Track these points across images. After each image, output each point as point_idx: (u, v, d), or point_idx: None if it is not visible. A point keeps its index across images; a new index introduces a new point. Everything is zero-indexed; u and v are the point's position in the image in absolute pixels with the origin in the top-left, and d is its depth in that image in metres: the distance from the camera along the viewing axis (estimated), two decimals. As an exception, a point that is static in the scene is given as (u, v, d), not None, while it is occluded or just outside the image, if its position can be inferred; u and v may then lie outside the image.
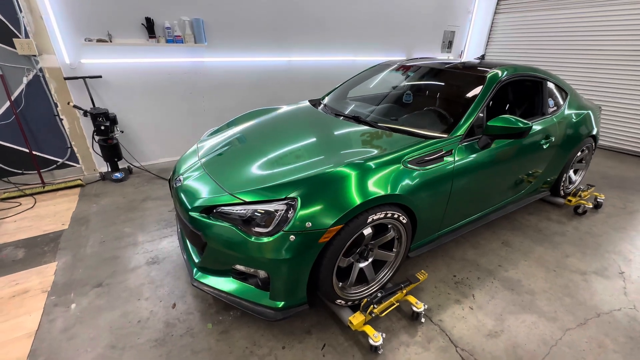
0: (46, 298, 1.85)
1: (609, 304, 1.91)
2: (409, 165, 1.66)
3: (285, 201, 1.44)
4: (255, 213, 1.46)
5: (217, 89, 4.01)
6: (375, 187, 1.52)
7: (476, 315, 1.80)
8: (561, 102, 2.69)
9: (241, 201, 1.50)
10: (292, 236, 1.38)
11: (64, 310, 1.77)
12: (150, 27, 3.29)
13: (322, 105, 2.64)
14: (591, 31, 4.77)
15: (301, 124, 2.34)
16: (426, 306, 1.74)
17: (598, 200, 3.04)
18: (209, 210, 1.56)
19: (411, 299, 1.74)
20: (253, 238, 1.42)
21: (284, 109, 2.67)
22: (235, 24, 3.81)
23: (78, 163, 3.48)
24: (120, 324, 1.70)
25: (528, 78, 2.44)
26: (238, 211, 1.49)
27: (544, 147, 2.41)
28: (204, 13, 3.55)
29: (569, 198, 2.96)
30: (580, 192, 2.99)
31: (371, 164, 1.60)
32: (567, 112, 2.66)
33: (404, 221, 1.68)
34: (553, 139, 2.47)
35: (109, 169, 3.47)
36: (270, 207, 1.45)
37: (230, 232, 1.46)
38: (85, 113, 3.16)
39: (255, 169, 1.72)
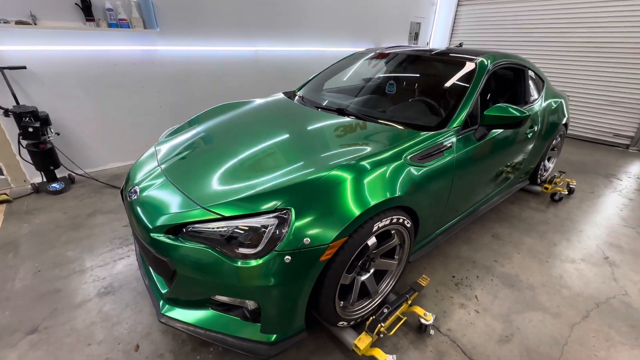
0: (-44, 357, 1.41)
1: (603, 292, 1.90)
2: (410, 162, 1.47)
3: (276, 213, 1.17)
4: (237, 230, 1.18)
5: (173, 82, 3.54)
6: (378, 190, 1.30)
7: (484, 319, 1.68)
8: (540, 90, 2.69)
9: (219, 216, 1.20)
10: (287, 257, 1.12)
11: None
12: (86, 7, 2.75)
13: (297, 98, 2.37)
14: (548, 23, 4.99)
15: (278, 120, 2.04)
16: (434, 316, 1.57)
17: (570, 186, 3.13)
18: (176, 229, 1.24)
19: (418, 310, 1.56)
20: (238, 262, 1.14)
21: (256, 102, 2.35)
22: (192, 8, 3.37)
23: (2, 174, 2.86)
24: (65, 382, 1.32)
25: (512, 65, 2.38)
26: (216, 229, 1.19)
27: (529, 136, 2.37)
28: (153, -7, 3.07)
29: (546, 185, 3.00)
30: (554, 179, 3.06)
31: (368, 163, 1.37)
32: (545, 100, 2.66)
33: (408, 225, 1.49)
34: (536, 128, 2.44)
35: (44, 179, 2.90)
36: (256, 221, 1.17)
37: (208, 256, 1.16)
38: (6, 112, 2.57)
39: (229, 175, 1.42)
